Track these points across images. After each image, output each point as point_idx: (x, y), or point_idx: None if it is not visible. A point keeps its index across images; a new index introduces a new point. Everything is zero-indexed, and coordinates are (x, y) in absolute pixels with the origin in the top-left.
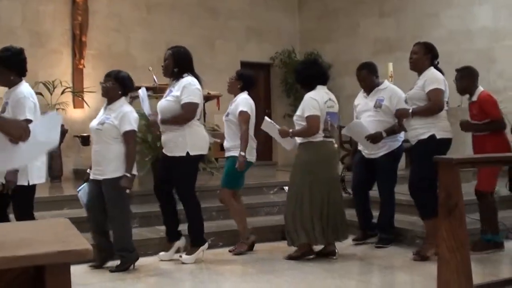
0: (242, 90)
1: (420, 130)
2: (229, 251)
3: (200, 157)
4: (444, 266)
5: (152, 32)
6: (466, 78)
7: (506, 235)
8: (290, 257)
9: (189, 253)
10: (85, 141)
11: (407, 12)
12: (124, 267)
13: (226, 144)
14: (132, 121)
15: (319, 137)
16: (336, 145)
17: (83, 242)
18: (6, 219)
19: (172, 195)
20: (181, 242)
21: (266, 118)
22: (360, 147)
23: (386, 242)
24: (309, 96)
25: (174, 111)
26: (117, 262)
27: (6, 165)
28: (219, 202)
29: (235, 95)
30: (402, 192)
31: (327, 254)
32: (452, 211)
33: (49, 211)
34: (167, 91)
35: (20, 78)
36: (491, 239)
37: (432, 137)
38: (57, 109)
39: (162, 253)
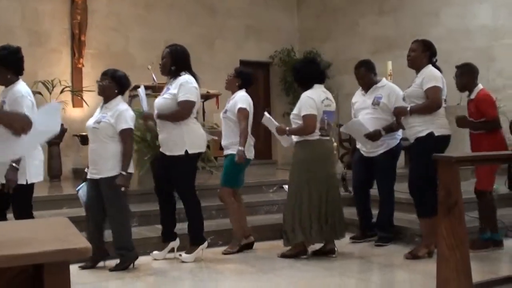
0: (240, 87)
1: (418, 128)
2: (222, 252)
3: (199, 155)
4: (444, 264)
5: (151, 31)
6: (466, 75)
7: (505, 233)
8: (284, 256)
9: (188, 252)
10: (85, 140)
11: (406, 11)
12: (123, 266)
13: (223, 142)
14: (128, 119)
15: (316, 135)
16: (335, 144)
17: (82, 240)
18: (4, 219)
19: (173, 195)
20: (175, 243)
21: (266, 113)
22: (358, 145)
23: (386, 240)
24: (306, 95)
25: (171, 109)
26: (116, 261)
27: (8, 156)
28: (219, 201)
29: (233, 92)
30: (401, 190)
31: (327, 253)
32: (451, 209)
33: (48, 210)
34: (165, 89)
35: (17, 77)
36: (490, 237)
37: (431, 134)
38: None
39: (155, 252)
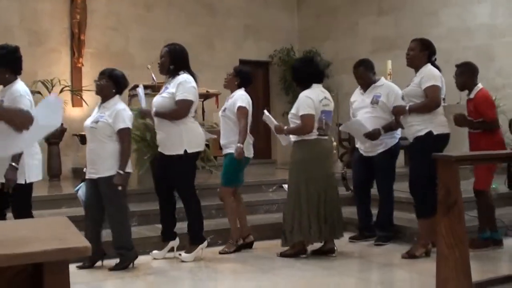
0: (239, 86)
1: (417, 127)
2: (219, 252)
3: (198, 154)
4: (443, 263)
5: (150, 30)
6: (466, 74)
7: (505, 232)
8: (284, 255)
9: (188, 251)
10: (84, 139)
11: (406, 10)
12: (123, 266)
13: (222, 141)
14: (126, 119)
15: (314, 135)
16: (335, 143)
17: (81, 240)
18: (3, 218)
19: (173, 194)
20: (175, 242)
21: (265, 111)
22: (357, 145)
23: (385, 240)
24: (304, 94)
25: (169, 107)
26: (115, 260)
27: (9, 150)
28: (219, 200)
29: (232, 91)
30: (401, 189)
31: (326, 252)
32: (451, 208)
33: (48, 210)
34: (163, 88)
35: (15, 76)
36: (490, 236)
37: (429, 133)
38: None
39: (155, 252)
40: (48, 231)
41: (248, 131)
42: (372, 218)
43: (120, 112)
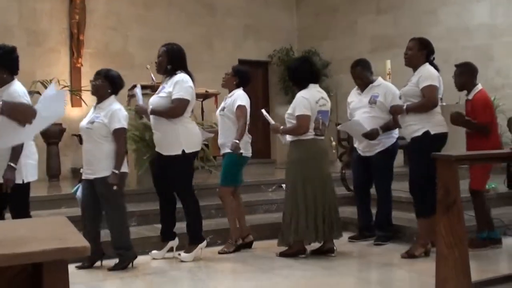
0: (238, 86)
1: (414, 126)
2: (218, 252)
3: (196, 154)
4: (443, 262)
5: (150, 30)
6: (465, 75)
7: (504, 232)
8: (283, 255)
9: (187, 251)
10: None
11: (404, 9)
12: (122, 266)
13: (220, 140)
14: (121, 119)
15: (310, 135)
16: (334, 143)
17: (81, 239)
18: (2, 218)
19: (173, 194)
20: (174, 242)
21: (263, 111)
22: (355, 144)
23: (384, 239)
24: (300, 95)
25: (166, 106)
26: (114, 260)
27: (9, 142)
28: (218, 200)
29: (230, 90)
30: (401, 189)
31: (326, 252)
32: (450, 208)
33: (47, 210)
34: (160, 87)
35: (12, 77)
36: (488, 236)
37: (427, 133)
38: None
39: (154, 252)
40: (47, 231)
41: (247, 131)
42: (372, 218)
43: (116, 112)
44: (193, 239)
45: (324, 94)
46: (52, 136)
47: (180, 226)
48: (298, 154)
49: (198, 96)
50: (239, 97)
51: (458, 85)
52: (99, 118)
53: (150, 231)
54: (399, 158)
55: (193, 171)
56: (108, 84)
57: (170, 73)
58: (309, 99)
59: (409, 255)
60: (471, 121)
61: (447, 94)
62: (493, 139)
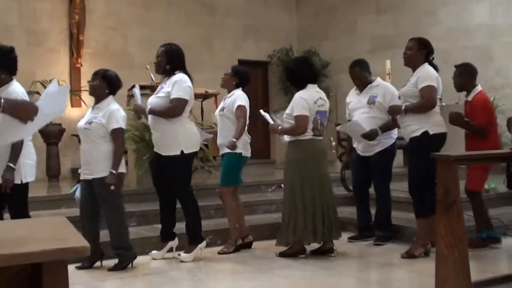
0: (237, 86)
1: (413, 127)
2: (218, 252)
3: (194, 154)
4: (442, 262)
5: (149, 30)
6: (465, 75)
7: (504, 232)
8: (283, 255)
9: (187, 251)
10: None
11: (404, 10)
12: (121, 266)
13: (219, 140)
14: (119, 119)
15: (308, 135)
16: (334, 143)
17: (80, 239)
18: (1, 219)
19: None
20: (174, 242)
21: (261, 111)
22: (355, 144)
23: (384, 240)
24: (298, 95)
25: (164, 106)
26: (114, 261)
27: (12, 138)
28: (218, 200)
29: (229, 91)
30: (400, 189)
31: (325, 252)
32: (450, 208)
33: (47, 210)
34: (159, 87)
35: (10, 77)
36: (487, 236)
37: (425, 133)
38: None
39: (154, 252)
40: (46, 231)
41: (246, 131)
42: (371, 218)
43: (114, 112)
44: (192, 239)
45: (323, 94)
46: (52, 136)
47: (180, 227)
48: (296, 154)
49: (197, 96)
50: (239, 97)
51: (458, 86)
52: (97, 119)
53: (149, 231)
54: (399, 158)
55: (191, 171)
56: (105, 85)
57: (169, 73)
58: (307, 99)
59: (408, 255)
60: (469, 122)
61: (447, 94)
62: (492, 139)
